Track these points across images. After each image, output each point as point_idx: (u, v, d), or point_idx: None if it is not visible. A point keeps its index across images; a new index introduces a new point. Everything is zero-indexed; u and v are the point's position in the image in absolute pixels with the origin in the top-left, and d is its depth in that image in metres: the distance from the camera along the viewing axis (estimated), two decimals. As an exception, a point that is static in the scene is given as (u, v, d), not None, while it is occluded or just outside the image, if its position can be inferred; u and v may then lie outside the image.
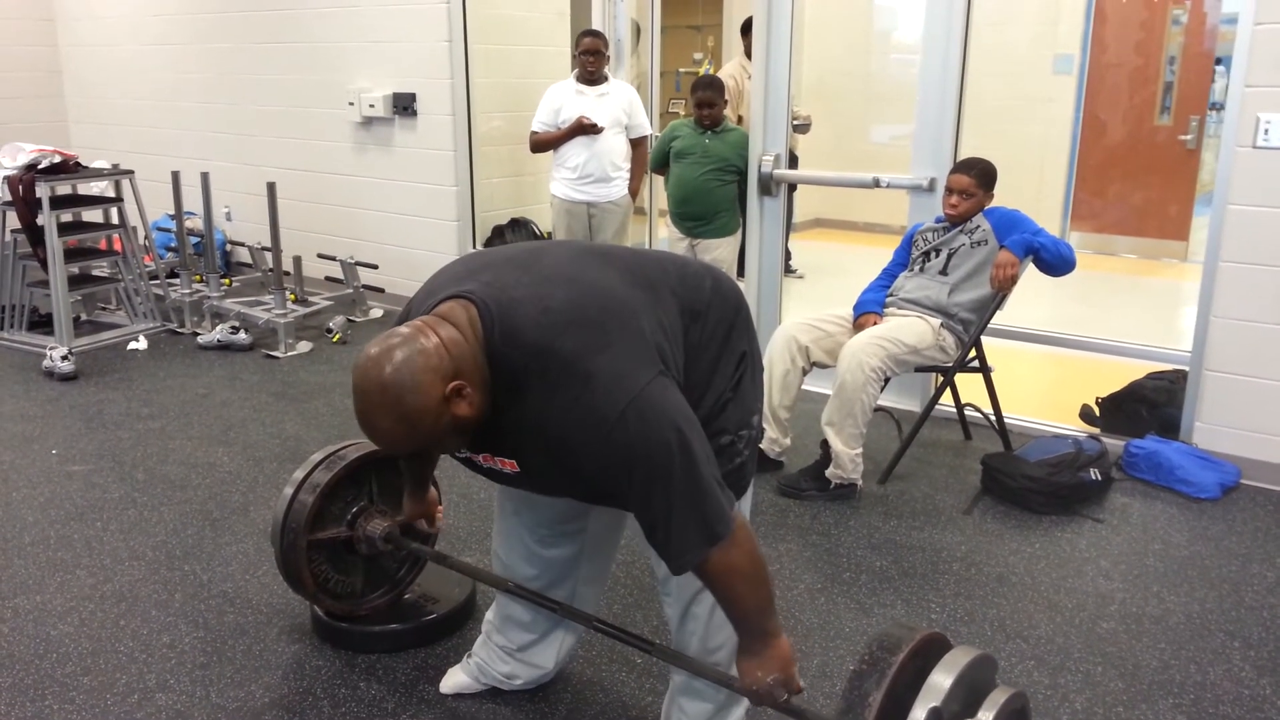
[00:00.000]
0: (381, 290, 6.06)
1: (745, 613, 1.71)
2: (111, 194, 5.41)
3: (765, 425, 3.52)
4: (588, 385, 1.56)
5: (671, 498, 1.57)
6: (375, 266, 5.99)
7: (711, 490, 1.60)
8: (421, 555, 2.59)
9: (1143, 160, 7.26)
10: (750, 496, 2.02)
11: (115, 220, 5.41)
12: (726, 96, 4.85)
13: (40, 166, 5.01)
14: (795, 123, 6.27)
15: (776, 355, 3.56)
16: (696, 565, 1.63)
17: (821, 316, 3.67)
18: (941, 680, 1.55)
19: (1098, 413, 4.10)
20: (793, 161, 6.24)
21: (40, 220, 4.97)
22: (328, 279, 6.16)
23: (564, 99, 4.87)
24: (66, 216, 5.26)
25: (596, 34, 4.88)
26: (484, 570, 2.29)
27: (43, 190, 4.94)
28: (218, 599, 2.83)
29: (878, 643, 1.62)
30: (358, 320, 5.80)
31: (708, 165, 4.73)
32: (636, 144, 5.04)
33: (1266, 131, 3.39)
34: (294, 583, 2.50)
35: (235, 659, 2.55)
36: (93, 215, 5.48)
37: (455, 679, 2.42)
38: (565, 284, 1.68)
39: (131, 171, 5.41)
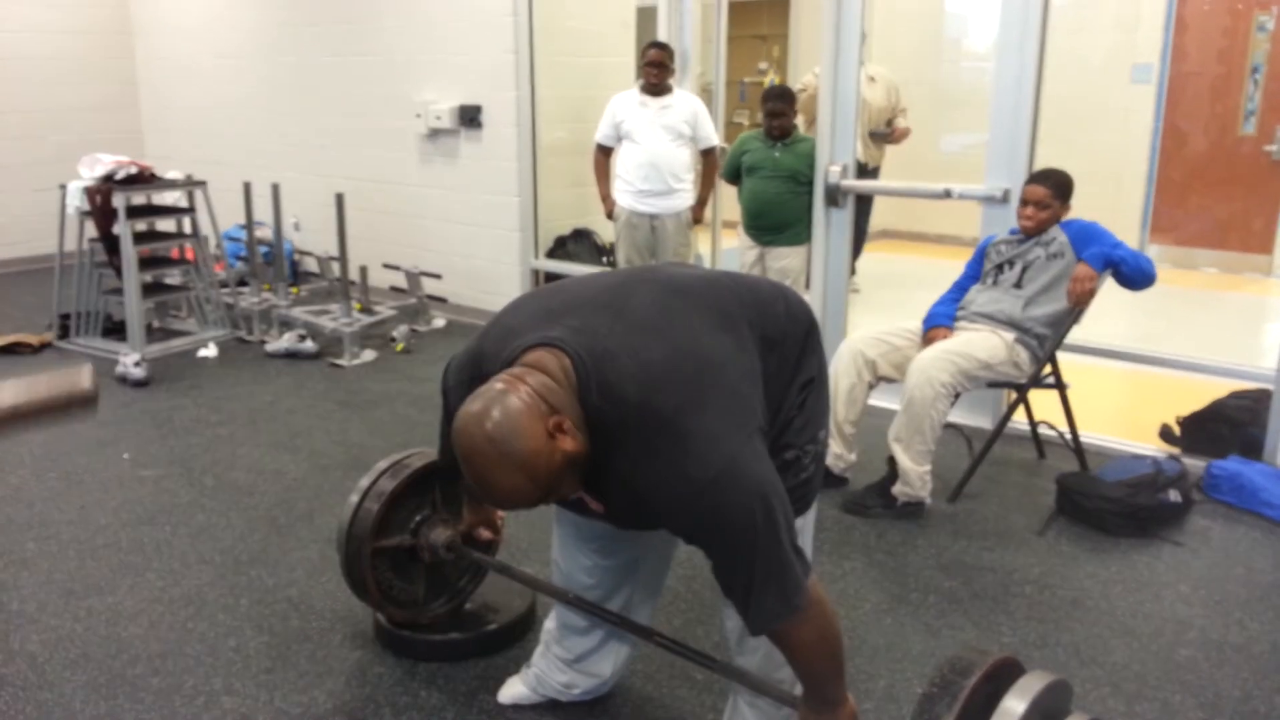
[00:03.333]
0: (445, 300, 6.11)
1: (812, 679, 1.74)
2: (185, 204, 5.53)
3: (830, 440, 3.46)
4: (683, 446, 1.56)
5: (753, 567, 1.59)
6: (439, 276, 6.04)
7: (790, 562, 1.61)
8: (483, 565, 2.59)
9: (1225, 172, 7.04)
10: (814, 512, 1.98)
11: (188, 230, 5.53)
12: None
13: (117, 177, 5.14)
14: (880, 131, 6.19)
15: (842, 369, 3.50)
16: (770, 632, 1.66)
17: (889, 330, 3.60)
18: (1015, 705, 1.50)
19: (1178, 432, 3.96)
20: (873, 174, 6.18)
21: (116, 229, 5.09)
22: (392, 289, 6.23)
23: (626, 111, 4.87)
24: (141, 226, 5.39)
25: (662, 46, 4.87)
26: (544, 581, 2.28)
27: (119, 200, 5.07)
28: (283, 604, 2.86)
29: (949, 665, 1.57)
30: (421, 330, 5.85)
31: (779, 178, 4.70)
32: (706, 155, 5.01)
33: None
34: (358, 589, 2.51)
35: (299, 664, 2.57)
36: (166, 225, 5.60)
37: (514, 689, 2.42)
38: (658, 335, 1.67)
39: (204, 182, 5.53)
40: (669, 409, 1.57)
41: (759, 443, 1.64)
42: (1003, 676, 1.58)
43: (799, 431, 1.85)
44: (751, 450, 1.60)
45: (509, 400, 1.54)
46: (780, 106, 4.69)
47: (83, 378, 1.57)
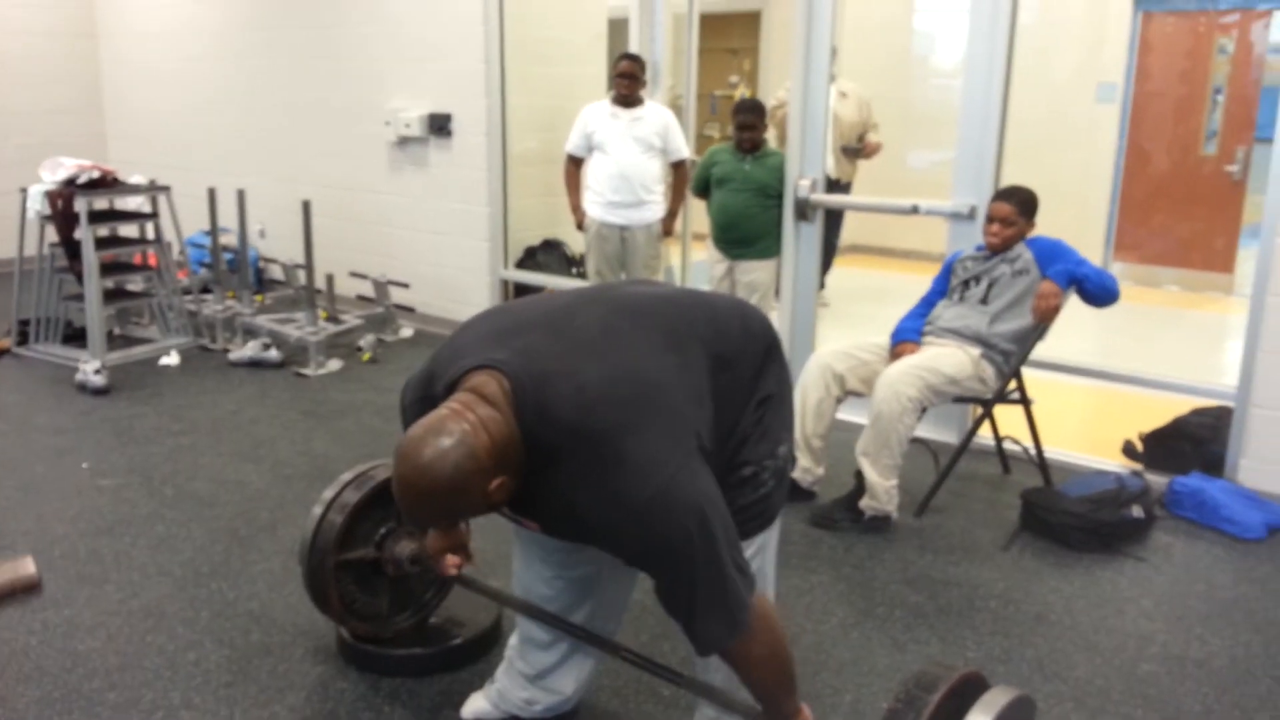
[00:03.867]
0: (412, 310, 6.07)
1: (764, 695, 1.75)
2: (148, 209, 5.46)
3: (798, 454, 3.46)
4: (618, 469, 1.57)
5: (694, 590, 1.59)
6: (407, 285, 6.00)
7: (733, 583, 1.61)
8: (447, 578, 2.56)
9: (1187, 191, 7.16)
10: (778, 527, 1.97)
11: (151, 235, 5.46)
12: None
13: (79, 181, 5.07)
14: (852, 147, 6.24)
15: (810, 383, 3.51)
16: (717, 653, 1.67)
17: (857, 344, 3.62)
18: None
19: (1141, 448, 4.01)
20: (845, 189, 6.22)
21: (77, 234, 5.02)
22: (359, 297, 6.19)
23: (597, 122, 4.87)
24: (103, 231, 5.31)
25: (634, 57, 4.88)
26: (508, 594, 2.26)
27: (81, 205, 4.99)
28: (244, 617, 2.82)
29: (914, 681, 1.58)
30: (388, 339, 5.81)
31: (747, 191, 4.70)
32: (676, 167, 5.02)
33: (1317, 163, 3.32)
34: (321, 603, 2.48)
35: (260, 678, 2.53)
36: (129, 230, 5.53)
37: (476, 704, 2.39)
38: (597, 357, 1.68)
39: (168, 187, 5.46)
40: (603, 431, 1.58)
41: (698, 463, 1.63)
42: (967, 692, 1.58)
43: (756, 447, 1.85)
44: (689, 471, 1.59)
45: (458, 441, 1.54)
46: (751, 119, 4.70)
47: (26, 565, 1.57)
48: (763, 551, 1.96)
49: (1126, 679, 2.60)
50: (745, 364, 1.84)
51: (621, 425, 1.59)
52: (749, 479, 1.84)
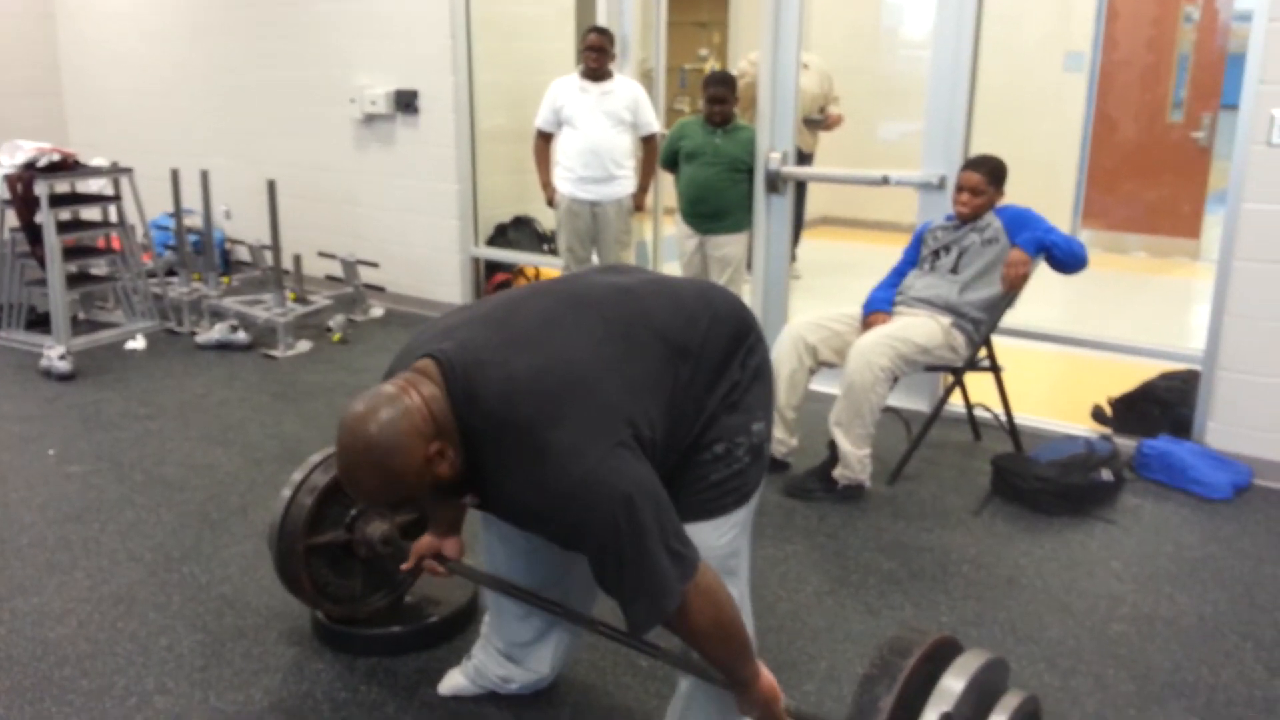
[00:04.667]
0: (382, 289, 6.02)
1: (716, 664, 1.78)
2: (110, 192, 5.37)
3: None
4: (541, 459, 1.60)
5: (622, 575, 1.62)
6: (376, 265, 5.95)
7: (661, 569, 1.62)
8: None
9: (1154, 158, 7.21)
10: (755, 502, 1.98)
11: (114, 218, 5.38)
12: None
13: (39, 164, 4.97)
14: (814, 118, 6.24)
15: (784, 355, 3.52)
16: (658, 627, 1.69)
17: (830, 315, 3.62)
18: (953, 684, 1.53)
19: (1109, 413, 4.05)
20: (808, 160, 6.21)
21: (38, 218, 4.93)
22: (328, 278, 6.13)
23: (566, 97, 4.82)
24: (65, 215, 5.22)
25: (602, 31, 4.83)
26: (482, 572, 2.25)
27: (41, 188, 4.91)
28: (216, 601, 2.80)
29: (889, 646, 1.59)
30: (358, 320, 5.76)
31: (718, 165, 4.68)
32: (646, 142, 4.98)
33: (1280, 128, 3.35)
34: (292, 587, 2.47)
35: (234, 662, 2.52)
36: (91, 213, 5.44)
37: (453, 681, 2.39)
38: (532, 348, 1.70)
39: (130, 169, 5.37)
40: (525, 421, 1.62)
41: (627, 453, 1.63)
42: (941, 656, 1.60)
43: (727, 424, 1.84)
44: (615, 459, 1.61)
45: (397, 409, 1.59)
46: (722, 92, 4.67)
47: None
48: (741, 527, 1.96)
49: (1097, 639, 2.63)
50: (711, 351, 1.83)
51: (545, 417, 1.62)
52: (722, 456, 1.84)
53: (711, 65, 8.85)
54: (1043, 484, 3.33)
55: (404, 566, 2.32)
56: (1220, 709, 2.35)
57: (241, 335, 5.19)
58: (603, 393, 1.67)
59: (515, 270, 6.10)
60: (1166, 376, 3.98)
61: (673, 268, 5.21)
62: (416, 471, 1.60)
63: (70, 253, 5.20)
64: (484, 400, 1.63)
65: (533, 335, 1.73)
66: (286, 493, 2.41)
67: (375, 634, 2.55)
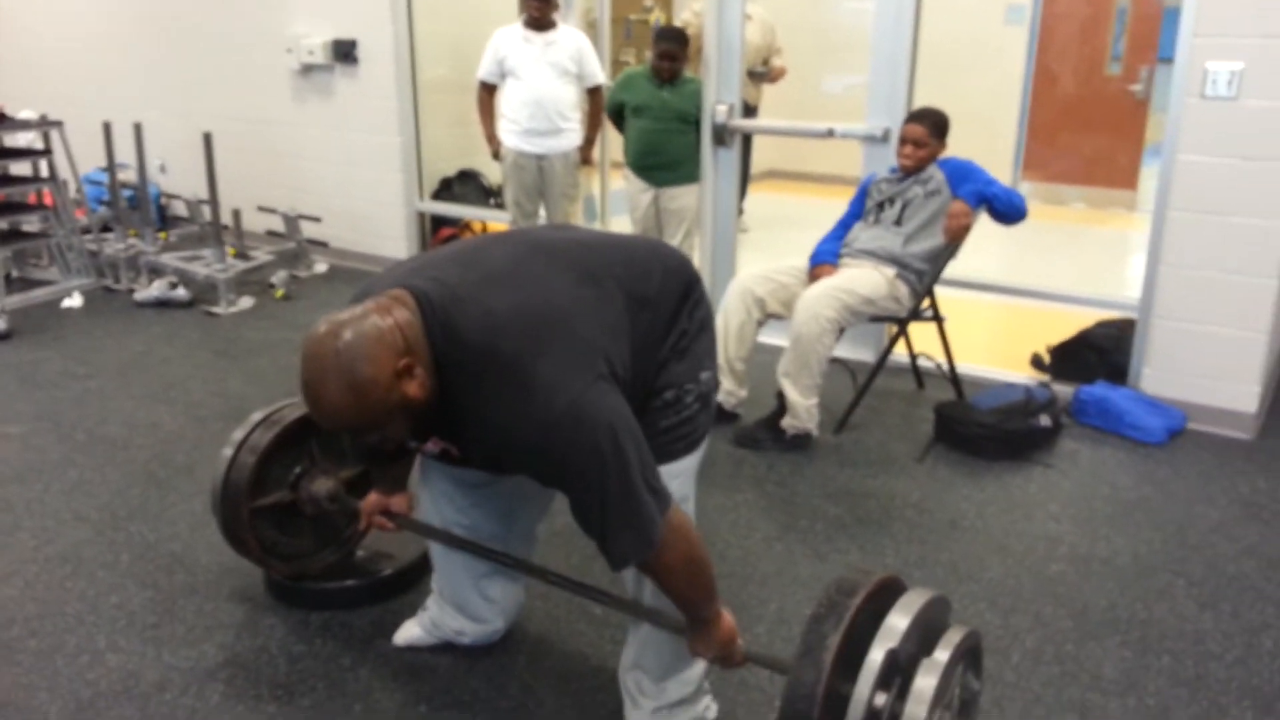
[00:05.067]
0: (325, 244, 5.93)
1: (683, 603, 1.78)
2: (40, 146, 5.20)
3: (721, 378, 3.51)
4: (525, 389, 1.59)
5: (606, 505, 1.61)
6: (318, 219, 5.86)
7: (643, 500, 1.63)
8: None
9: (1093, 111, 7.33)
10: (703, 450, 2.01)
11: (45, 173, 5.21)
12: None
13: (-37, 116, 4.80)
14: (758, 70, 6.23)
15: (732, 307, 3.54)
16: (632, 565, 1.70)
17: (777, 268, 3.65)
18: (898, 622, 1.57)
19: (1048, 361, 4.15)
20: (752, 112, 6.22)
21: (-35, 173, 4.77)
22: (269, 233, 6.01)
23: (509, 47, 4.75)
24: (-7, 169, 5.06)
25: (545, -21, 4.75)
26: (431, 526, 2.26)
27: (-33, 141, 4.74)
28: (166, 559, 2.77)
29: (835, 587, 1.63)
30: (301, 275, 5.67)
31: (666, 119, 4.66)
32: (592, 94, 4.94)
33: (1214, 82, 3.42)
34: (240, 549, 2.45)
35: (187, 618, 2.51)
36: (20, 169, 5.27)
37: (409, 632, 2.41)
38: (509, 286, 1.70)
39: (60, 123, 5.20)
40: (510, 353, 1.61)
41: (608, 386, 1.65)
42: (886, 595, 1.64)
43: (676, 372, 1.87)
44: (597, 392, 1.62)
45: (369, 322, 1.55)
46: (674, 49, 4.63)
47: None
48: (689, 475, 1.99)
49: (1036, 578, 2.72)
50: (665, 302, 1.87)
51: (529, 349, 1.61)
52: (671, 403, 1.87)
53: (656, 17, 8.75)
54: (983, 430, 3.42)
55: (360, 527, 2.31)
56: (1154, 642, 2.44)
57: (181, 292, 5.09)
58: (582, 329, 1.68)
59: (461, 225, 6.04)
60: (1103, 325, 4.08)
61: (621, 222, 5.19)
62: (385, 386, 1.54)
63: (0, 209, 5.04)
64: (464, 333, 1.61)
65: (508, 274, 1.73)
66: (227, 452, 2.37)
67: (329, 588, 2.55)
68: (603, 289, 1.77)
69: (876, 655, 1.53)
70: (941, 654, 1.57)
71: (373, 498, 2.26)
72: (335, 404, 1.54)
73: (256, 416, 2.43)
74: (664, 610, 1.91)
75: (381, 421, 1.59)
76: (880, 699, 1.51)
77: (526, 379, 1.59)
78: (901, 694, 1.54)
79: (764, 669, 2.08)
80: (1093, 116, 7.33)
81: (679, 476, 1.93)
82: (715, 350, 2.01)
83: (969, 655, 1.66)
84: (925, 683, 1.53)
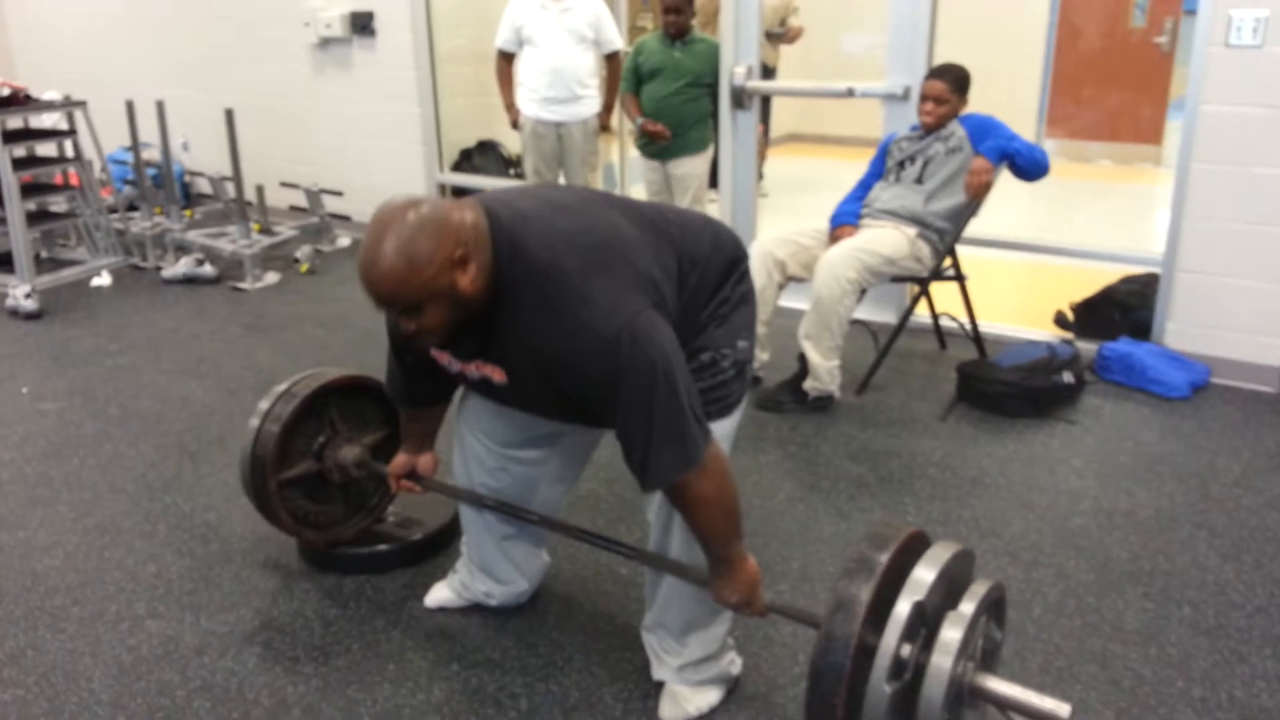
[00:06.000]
0: (348, 218, 5.97)
1: (711, 537, 1.80)
2: (64, 127, 5.26)
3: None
4: (586, 304, 1.65)
5: (653, 419, 1.66)
6: (340, 194, 5.89)
7: (689, 418, 1.69)
8: None
9: (1117, 65, 7.22)
10: (737, 419, 2.02)
11: (70, 154, 5.27)
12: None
13: (-11, 99, 4.86)
14: (775, 31, 6.18)
15: (753, 271, 3.51)
16: (669, 488, 1.73)
17: (797, 230, 3.65)
18: (925, 575, 1.59)
19: (1071, 318, 4.14)
20: (771, 74, 6.18)
21: (-8, 155, 4.84)
22: (292, 208, 6.06)
23: (526, 15, 4.75)
24: (19, 151, 5.12)
25: (560, -55, 4.73)
26: (458, 487, 2.30)
27: (-7, 123, 4.80)
28: (201, 528, 2.84)
29: (866, 541, 1.65)
30: (325, 250, 5.72)
31: (678, 81, 4.62)
32: (609, 60, 4.92)
33: (1239, 30, 3.37)
34: (272, 520, 2.49)
35: (223, 585, 2.57)
36: (46, 149, 5.33)
37: (439, 594, 2.46)
38: (573, 213, 1.78)
39: (84, 102, 5.26)
40: (572, 269, 1.67)
41: (661, 315, 1.71)
42: (912, 549, 1.66)
43: (714, 336, 1.90)
44: (651, 316, 1.68)
45: (442, 208, 1.63)
46: (678, 2, 4.60)
47: None
48: (723, 439, 2.01)
49: (1058, 532, 2.74)
50: (712, 267, 1.92)
51: (591, 267, 1.68)
52: (708, 365, 1.89)
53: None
54: (1006, 388, 3.42)
55: (391, 490, 2.36)
56: (1175, 593, 2.46)
57: (208, 269, 5.15)
58: (639, 262, 1.74)
59: (482, 195, 6.05)
60: (1127, 280, 4.06)
61: (640, 191, 5.19)
62: (437, 266, 1.59)
63: (28, 190, 5.11)
64: (529, 247, 1.68)
65: (573, 206, 1.81)
66: (254, 422, 2.40)
67: (361, 553, 2.61)
68: (660, 236, 1.84)
69: (904, 608, 1.55)
70: (967, 606, 1.60)
71: (400, 459, 2.31)
72: (386, 269, 1.59)
73: (280, 387, 2.46)
74: (688, 565, 1.95)
75: (423, 300, 1.62)
76: (906, 650, 1.54)
77: (587, 293, 1.65)
78: (927, 645, 1.57)
79: (787, 622, 2.11)
80: (1117, 70, 7.22)
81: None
82: (754, 325, 2.03)
83: (993, 607, 1.69)
84: (951, 634, 1.56)
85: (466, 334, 1.75)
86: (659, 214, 1.93)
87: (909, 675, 1.55)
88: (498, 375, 1.83)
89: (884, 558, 1.61)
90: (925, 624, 1.57)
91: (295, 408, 2.40)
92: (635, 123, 4.75)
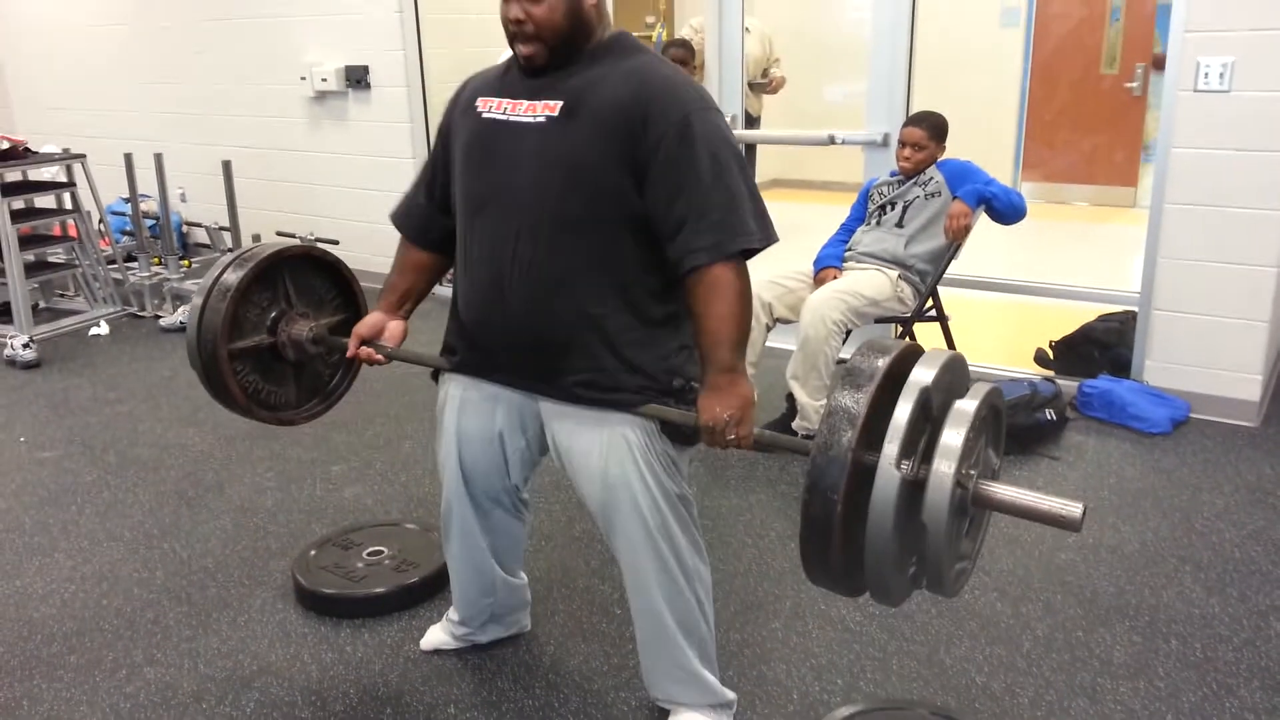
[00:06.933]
0: (343, 266, 6.02)
1: (726, 338, 1.76)
2: (63, 179, 5.34)
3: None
4: (673, 74, 1.80)
5: (734, 185, 1.74)
6: (336, 242, 5.92)
7: (747, 204, 1.76)
8: (354, 360, 2.27)
9: (1091, 110, 7.38)
10: (692, 452, 2.03)
11: (69, 205, 5.35)
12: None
13: (-11, 153, 4.94)
14: (758, 81, 6.33)
15: (740, 312, 3.61)
16: (711, 271, 1.74)
17: (783, 273, 3.73)
18: (924, 375, 1.49)
19: (1051, 356, 4.21)
20: (755, 123, 6.31)
21: (-9, 208, 4.90)
22: (288, 257, 6.11)
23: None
24: (18, 203, 5.19)
25: None
26: (422, 354, 2.17)
27: (-8, 177, 4.87)
28: (199, 574, 2.86)
29: (866, 346, 1.56)
30: (320, 297, 5.77)
31: None
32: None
33: (1206, 75, 3.48)
34: (222, 396, 2.27)
35: (221, 631, 2.59)
36: (45, 201, 5.40)
37: (434, 637, 2.48)
38: None
39: (83, 155, 5.34)
40: (657, 58, 1.84)
41: None
42: (910, 357, 1.56)
43: (690, 363, 1.90)
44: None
45: None
46: (684, 54, 4.68)
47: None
48: (679, 464, 2.01)
49: (1046, 568, 2.78)
50: None
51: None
52: (680, 391, 1.89)
53: (660, 31, 8.87)
54: (991, 426, 3.47)
55: (347, 354, 2.16)
56: (1161, 627, 2.49)
57: (204, 318, 5.19)
58: None
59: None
60: (1105, 319, 4.14)
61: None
62: None
63: (26, 241, 5.17)
64: (638, 45, 1.86)
65: None
66: (198, 300, 2.20)
67: (359, 596, 2.64)
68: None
69: (906, 406, 1.44)
70: (969, 402, 1.49)
71: (370, 316, 2.14)
72: None
73: (226, 259, 2.26)
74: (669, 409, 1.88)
75: None
76: (915, 434, 1.45)
77: (672, 72, 1.80)
78: (931, 446, 1.46)
79: (781, 660, 2.12)
80: (1091, 115, 7.39)
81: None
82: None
83: (993, 413, 1.58)
84: (959, 423, 1.45)
85: (553, 63, 1.79)
86: None
87: (918, 460, 1.45)
88: (549, 110, 1.79)
89: (882, 362, 1.50)
90: (930, 419, 1.48)
91: (247, 273, 2.19)
92: None
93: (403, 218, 2.16)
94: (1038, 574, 2.75)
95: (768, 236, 1.77)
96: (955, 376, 1.55)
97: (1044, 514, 1.46)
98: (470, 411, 2.08)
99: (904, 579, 1.52)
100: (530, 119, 1.81)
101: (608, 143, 1.74)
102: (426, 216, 2.11)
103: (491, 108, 1.88)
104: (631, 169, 1.75)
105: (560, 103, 1.78)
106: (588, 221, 1.80)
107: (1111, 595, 2.64)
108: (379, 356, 2.12)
